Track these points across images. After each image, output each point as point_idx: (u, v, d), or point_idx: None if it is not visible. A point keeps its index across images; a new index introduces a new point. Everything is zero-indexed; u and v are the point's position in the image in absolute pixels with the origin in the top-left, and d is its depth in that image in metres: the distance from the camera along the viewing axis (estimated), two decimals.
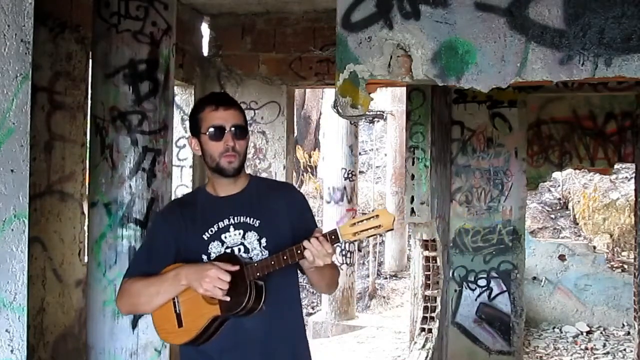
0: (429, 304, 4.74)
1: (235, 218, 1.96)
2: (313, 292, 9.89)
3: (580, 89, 5.45)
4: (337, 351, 7.40)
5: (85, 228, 3.98)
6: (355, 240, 1.86)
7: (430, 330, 4.65)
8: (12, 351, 1.38)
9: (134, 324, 3.32)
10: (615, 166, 7.27)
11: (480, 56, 2.24)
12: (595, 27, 2.14)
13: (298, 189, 2.26)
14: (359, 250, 10.63)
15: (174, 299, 1.88)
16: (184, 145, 5.64)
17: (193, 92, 5.67)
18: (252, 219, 1.95)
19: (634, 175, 6.82)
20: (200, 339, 1.88)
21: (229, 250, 1.93)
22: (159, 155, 3.42)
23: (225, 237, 1.94)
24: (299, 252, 1.79)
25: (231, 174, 1.94)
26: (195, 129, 1.96)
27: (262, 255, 1.92)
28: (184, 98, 5.68)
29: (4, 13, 1.36)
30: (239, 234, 1.94)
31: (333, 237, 1.79)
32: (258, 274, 1.82)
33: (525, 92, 5.40)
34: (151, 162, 3.38)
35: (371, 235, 1.79)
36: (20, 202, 1.41)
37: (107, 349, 3.30)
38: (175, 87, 4.51)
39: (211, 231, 1.95)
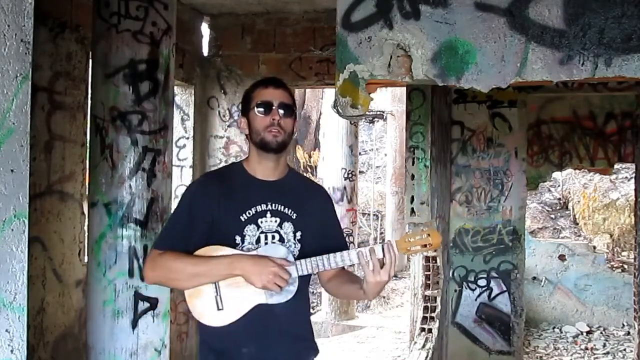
0: (429, 304, 4.74)
1: (273, 205, 1.98)
2: (313, 292, 9.87)
3: (580, 89, 5.45)
4: (337, 351, 7.39)
5: (85, 228, 3.98)
6: (406, 254, 1.98)
7: (430, 330, 4.65)
8: (12, 351, 1.38)
9: (134, 324, 3.32)
10: (615, 166, 7.27)
11: (480, 56, 2.24)
12: (595, 27, 2.14)
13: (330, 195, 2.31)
14: None
15: None
16: (184, 145, 5.64)
17: (193, 92, 5.66)
18: (290, 210, 2.00)
19: (634, 175, 6.82)
20: (239, 323, 1.92)
21: (262, 236, 1.96)
22: (159, 155, 3.42)
23: (262, 222, 1.96)
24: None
25: (274, 148, 1.96)
26: (246, 107, 2.02)
27: (295, 247, 1.98)
28: (184, 98, 5.67)
29: (4, 13, 1.36)
30: (275, 221, 1.98)
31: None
32: (310, 270, 1.90)
33: (525, 92, 5.40)
34: (151, 162, 3.38)
35: (420, 252, 1.93)
36: (20, 202, 1.41)
37: (107, 349, 3.30)
38: (175, 87, 4.51)
39: (249, 213, 1.96)
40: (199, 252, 1.92)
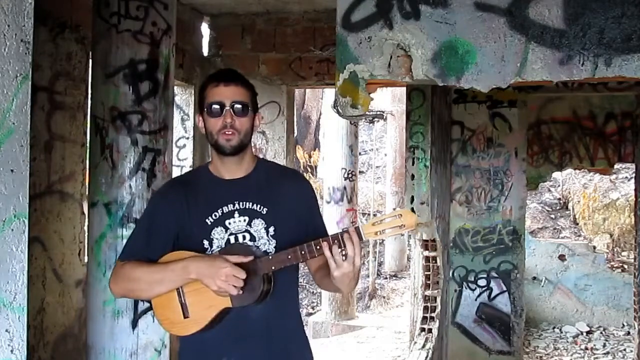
0: (429, 304, 4.74)
1: (241, 204, 1.88)
2: (313, 292, 9.88)
3: (580, 89, 5.44)
4: (337, 351, 7.39)
5: (85, 228, 3.98)
6: (377, 239, 1.81)
7: (430, 330, 4.65)
8: (12, 351, 1.38)
9: (134, 324, 3.32)
10: (615, 166, 7.27)
11: (480, 56, 2.24)
12: (595, 27, 2.14)
13: (307, 179, 2.15)
14: None
15: (178, 288, 1.83)
16: (184, 145, 5.65)
17: (193, 92, 5.67)
18: (259, 206, 1.89)
19: (634, 175, 6.82)
20: (207, 329, 1.84)
21: (232, 238, 1.87)
22: (159, 155, 3.43)
23: (230, 224, 1.87)
24: (318, 248, 1.72)
25: (229, 152, 1.86)
26: (200, 107, 1.91)
27: (269, 244, 1.87)
28: (184, 98, 5.68)
29: (4, 13, 1.36)
30: (244, 220, 1.87)
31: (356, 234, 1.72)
32: (273, 267, 1.77)
33: (525, 92, 5.40)
34: (151, 162, 3.38)
35: (393, 235, 1.76)
36: (20, 202, 1.41)
37: (107, 349, 3.30)
38: (175, 87, 4.51)
39: (215, 215, 1.87)
40: (163, 259, 1.84)
